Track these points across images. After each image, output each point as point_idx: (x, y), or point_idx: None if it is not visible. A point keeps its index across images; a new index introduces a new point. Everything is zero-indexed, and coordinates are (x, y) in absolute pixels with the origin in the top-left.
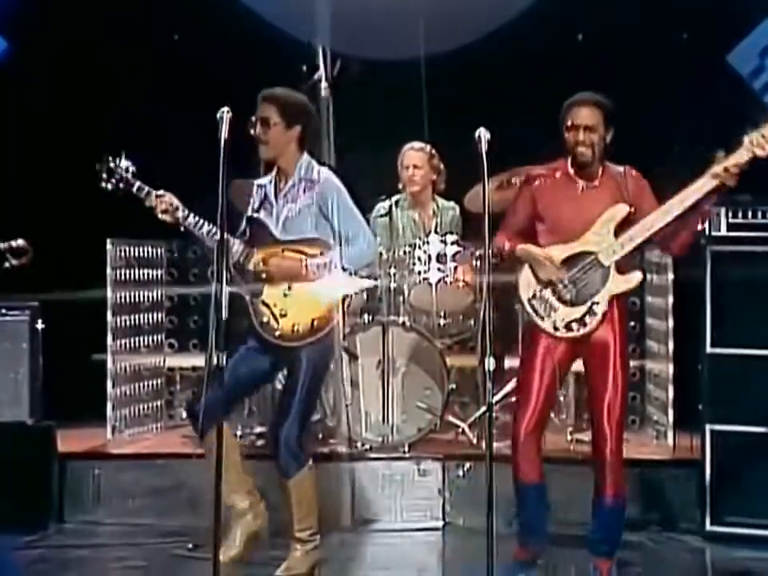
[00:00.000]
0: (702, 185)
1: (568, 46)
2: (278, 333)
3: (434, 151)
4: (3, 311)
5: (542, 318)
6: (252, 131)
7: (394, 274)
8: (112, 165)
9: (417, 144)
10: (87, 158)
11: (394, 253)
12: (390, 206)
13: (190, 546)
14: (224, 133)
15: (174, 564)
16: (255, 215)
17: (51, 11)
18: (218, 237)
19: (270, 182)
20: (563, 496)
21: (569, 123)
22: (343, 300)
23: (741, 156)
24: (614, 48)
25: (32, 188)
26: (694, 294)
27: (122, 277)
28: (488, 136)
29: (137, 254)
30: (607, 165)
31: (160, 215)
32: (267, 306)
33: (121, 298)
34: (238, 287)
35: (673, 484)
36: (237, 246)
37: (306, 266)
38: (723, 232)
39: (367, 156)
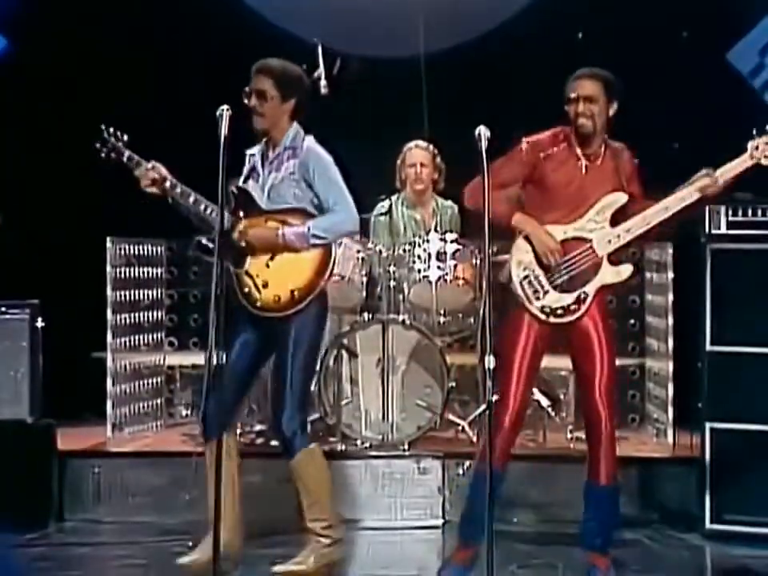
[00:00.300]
0: (704, 185)
1: (568, 44)
2: (258, 303)
3: (435, 150)
4: (3, 309)
5: (530, 302)
6: (246, 101)
7: (394, 272)
8: (105, 134)
9: (421, 143)
10: (87, 156)
11: (394, 251)
12: (390, 205)
13: (191, 543)
14: (224, 130)
15: (174, 562)
16: (242, 185)
17: (51, 9)
18: (203, 207)
19: (259, 151)
20: (563, 494)
21: (571, 96)
22: (328, 269)
23: (744, 162)
24: (614, 46)
25: (32, 186)
26: (693, 292)
27: (122, 275)
28: (488, 134)
29: (137, 253)
30: (609, 142)
31: (147, 187)
32: (250, 276)
33: (121, 296)
34: (225, 259)
35: (672, 482)
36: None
37: (283, 234)
38: (723, 230)
39: (367, 154)
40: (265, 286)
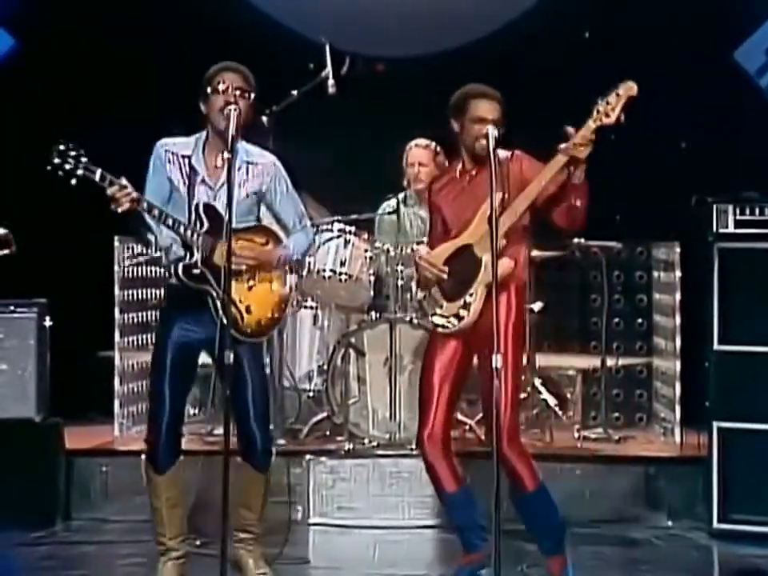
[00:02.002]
0: (555, 162)
1: (575, 43)
2: (247, 329)
3: (438, 148)
4: (11, 308)
5: (426, 316)
6: (224, 95)
7: (402, 271)
8: (64, 148)
9: (422, 141)
10: (93, 155)
11: (401, 250)
12: (397, 204)
13: (198, 542)
14: (231, 129)
15: None
16: (206, 201)
17: (56, 9)
18: (181, 230)
19: (198, 155)
20: (571, 493)
21: (476, 115)
22: (293, 287)
23: (588, 127)
24: (620, 45)
25: (38, 185)
26: (701, 291)
27: (130, 274)
28: (496, 134)
29: (144, 252)
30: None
31: (123, 208)
32: (234, 303)
33: (128, 295)
34: (206, 284)
35: (680, 481)
36: (201, 239)
37: (280, 258)
38: (730, 229)
39: (373, 153)
40: (248, 310)
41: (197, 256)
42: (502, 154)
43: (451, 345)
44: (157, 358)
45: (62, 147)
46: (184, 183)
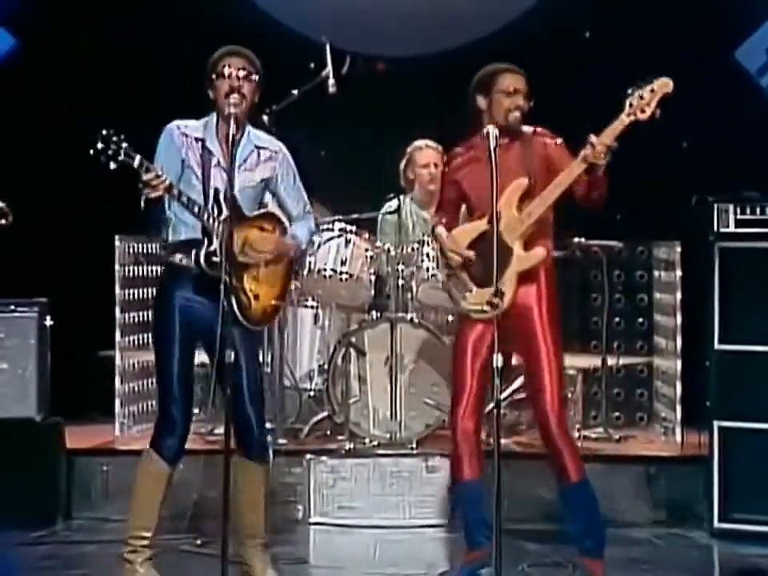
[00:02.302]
0: (586, 154)
1: (575, 42)
2: (254, 317)
3: (441, 149)
4: (12, 307)
5: (457, 302)
6: (230, 79)
7: (402, 271)
8: (107, 136)
9: (431, 143)
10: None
11: (402, 249)
12: (399, 203)
13: (198, 541)
14: (232, 129)
15: (181, 560)
16: (216, 186)
17: (56, 8)
18: (205, 217)
19: (211, 139)
20: None
21: (504, 88)
22: (292, 277)
23: (622, 121)
24: (621, 45)
25: (39, 184)
26: (702, 291)
27: (130, 273)
28: (497, 133)
29: (145, 251)
30: (517, 130)
31: (153, 192)
32: (244, 290)
33: (129, 294)
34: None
35: (680, 480)
36: (221, 226)
37: (293, 246)
38: (731, 228)
39: (374, 153)
40: (256, 298)
41: (216, 243)
42: (526, 129)
43: (482, 329)
44: (162, 345)
45: (105, 132)
46: (198, 165)
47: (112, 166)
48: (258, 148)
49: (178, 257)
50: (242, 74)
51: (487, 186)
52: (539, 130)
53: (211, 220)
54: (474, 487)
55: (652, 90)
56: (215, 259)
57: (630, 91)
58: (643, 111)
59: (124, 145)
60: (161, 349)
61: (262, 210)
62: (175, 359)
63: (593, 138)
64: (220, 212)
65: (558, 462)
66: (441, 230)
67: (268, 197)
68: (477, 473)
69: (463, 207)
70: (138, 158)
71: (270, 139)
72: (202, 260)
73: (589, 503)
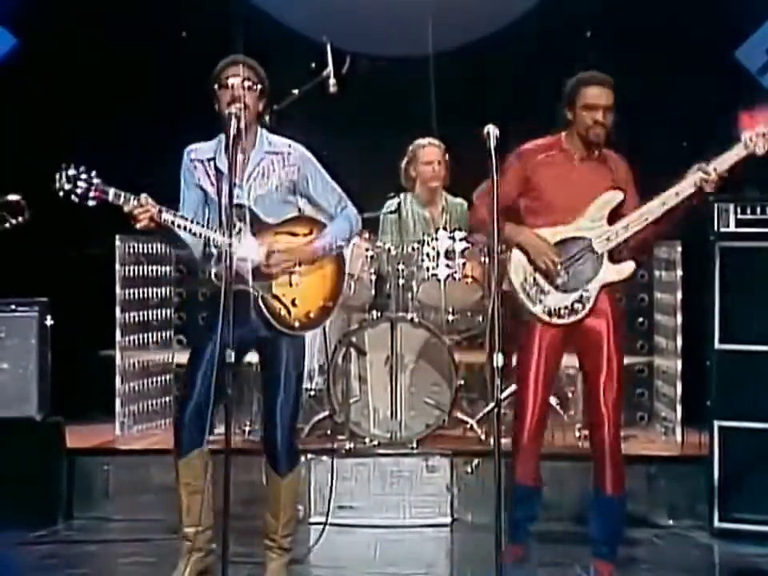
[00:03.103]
0: (698, 179)
1: (576, 43)
2: (295, 323)
3: (444, 147)
4: (12, 307)
5: (533, 303)
6: (232, 90)
7: (403, 270)
8: (73, 172)
9: (434, 140)
10: (97, 154)
11: (402, 249)
12: (400, 203)
13: None
14: (233, 129)
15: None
16: (239, 200)
17: (57, 8)
18: (210, 234)
19: (220, 157)
20: (573, 493)
21: (586, 102)
22: (344, 274)
23: (738, 152)
24: (622, 45)
25: (39, 184)
26: (702, 290)
27: (131, 273)
28: (497, 132)
29: (145, 251)
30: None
31: (137, 223)
32: (277, 298)
33: (129, 294)
34: (244, 285)
35: (681, 480)
36: (234, 240)
37: (315, 250)
38: (732, 228)
39: (375, 152)
40: (294, 304)
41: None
42: (608, 151)
43: (553, 336)
44: (194, 352)
45: (71, 172)
46: (212, 185)
47: (90, 203)
48: (270, 153)
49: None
50: (245, 84)
51: (570, 188)
52: (613, 155)
53: (218, 236)
54: (529, 490)
55: None
56: (219, 271)
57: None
58: (761, 147)
59: (95, 181)
60: (189, 362)
61: (290, 215)
62: (200, 371)
63: (706, 165)
64: (234, 226)
65: (598, 464)
66: (517, 227)
67: (302, 201)
68: (535, 480)
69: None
70: (111, 191)
71: (283, 142)
72: (213, 277)
73: (619, 519)
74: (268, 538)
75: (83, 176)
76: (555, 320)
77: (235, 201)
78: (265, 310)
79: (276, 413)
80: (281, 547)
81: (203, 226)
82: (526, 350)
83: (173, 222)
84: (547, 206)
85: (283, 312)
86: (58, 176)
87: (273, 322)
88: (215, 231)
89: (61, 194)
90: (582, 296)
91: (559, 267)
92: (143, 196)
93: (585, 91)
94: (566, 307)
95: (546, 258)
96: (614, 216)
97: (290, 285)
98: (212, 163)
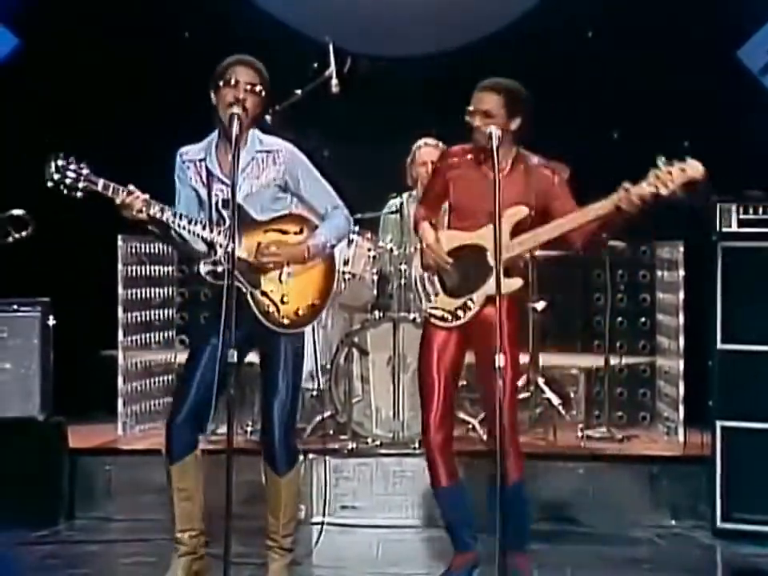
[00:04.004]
0: (600, 207)
1: (578, 43)
2: (284, 320)
3: (441, 145)
4: (15, 307)
5: (422, 302)
6: (234, 89)
7: (405, 270)
8: (62, 162)
9: (431, 140)
10: (99, 154)
11: (404, 249)
12: (401, 203)
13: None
14: (235, 130)
15: None
16: (223, 198)
17: (57, 8)
18: (198, 230)
19: (210, 154)
20: (574, 492)
21: (470, 108)
22: (335, 275)
23: (642, 189)
24: (623, 45)
25: (39, 185)
26: (704, 290)
27: (133, 273)
28: (499, 133)
29: (148, 251)
30: (522, 154)
31: (135, 216)
32: (266, 294)
33: (132, 294)
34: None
35: (683, 480)
36: (221, 235)
37: (308, 248)
38: (734, 228)
39: (377, 152)
40: (283, 301)
41: (220, 252)
42: (532, 158)
43: (447, 336)
44: (191, 353)
45: (60, 162)
46: (203, 185)
47: (78, 195)
48: (261, 152)
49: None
50: (248, 86)
51: (476, 194)
52: (543, 161)
53: (208, 230)
54: (452, 492)
55: (682, 170)
56: (219, 269)
57: (659, 162)
58: (666, 187)
59: (84, 171)
60: (186, 365)
61: (281, 213)
62: (197, 373)
63: (627, 185)
64: (223, 223)
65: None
66: (427, 226)
67: (294, 200)
68: (454, 477)
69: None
70: (101, 182)
71: (274, 141)
72: (203, 272)
73: (522, 506)
74: (269, 538)
75: (72, 166)
76: (438, 321)
77: (223, 197)
78: (253, 306)
79: (273, 412)
80: (282, 547)
81: (191, 221)
82: (423, 346)
83: (162, 213)
84: (460, 211)
85: (272, 309)
86: (47, 166)
87: (261, 318)
88: (204, 228)
89: (50, 184)
90: (466, 303)
91: (450, 270)
92: (130, 186)
93: (473, 96)
94: (449, 311)
95: (433, 260)
96: (519, 229)
97: (280, 282)
98: (203, 164)
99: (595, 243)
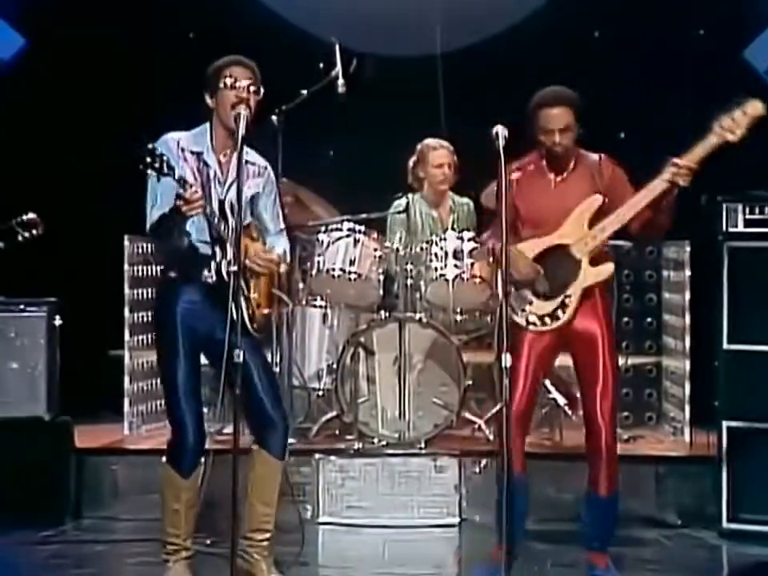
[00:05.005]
0: (671, 174)
1: (584, 43)
2: (257, 325)
3: (452, 148)
4: (21, 307)
5: (517, 313)
6: (237, 91)
7: (411, 270)
8: (151, 147)
9: (444, 142)
10: (106, 155)
11: (410, 249)
12: (408, 203)
13: (208, 541)
14: (241, 129)
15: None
16: (214, 199)
17: (64, 7)
18: (221, 227)
19: (208, 152)
20: (580, 492)
21: (542, 125)
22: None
23: (710, 141)
24: (629, 45)
25: (49, 184)
26: (710, 291)
27: (139, 273)
28: (506, 133)
29: (154, 251)
30: (581, 153)
31: (191, 210)
32: (248, 298)
33: (138, 294)
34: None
35: (689, 480)
36: (232, 235)
37: (279, 257)
38: (740, 228)
39: (382, 152)
40: (258, 306)
41: (230, 252)
42: (591, 156)
43: (541, 340)
44: (167, 360)
45: (150, 146)
46: (195, 178)
47: (162, 179)
48: (248, 163)
49: (183, 267)
50: (250, 87)
51: (547, 201)
52: (604, 157)
53: (225, 230)
54: (521, 482)
55: (744, 113)
56: (233, 269)
57: (719, 112)
58: (733, 133)
59: (166, 157)
60: (166, 362)
61: (247, 221)
62: (181, 373)
63: (677, 159)
64: (227, 223)
65: (593, 468)
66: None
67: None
68: (524, 470)
69: None
70: (178, 170)
71: (255, 155)
72: (224, 270)
73: (609, 517)
74: (258, 530)
75: (158, 152)
76: (538, 327)
77: (220, 198)
78: (243, 308)
79: (265, 404)
80: (271, 539)
81: (216, 219)
82: (515, 355)
83: (204, 209)
84: (532, 222)
85: (252, 312)
86: (138, 146)
87: (248, 323)
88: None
89: (141, 166)
90: (563, 301)
91: (541, 275)
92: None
93: (544, 114)
94: (548, 314)
95: (524, 271)
96: (596, 220)
97: (259, 288)
98: (200, 157)
99: (650, 226)
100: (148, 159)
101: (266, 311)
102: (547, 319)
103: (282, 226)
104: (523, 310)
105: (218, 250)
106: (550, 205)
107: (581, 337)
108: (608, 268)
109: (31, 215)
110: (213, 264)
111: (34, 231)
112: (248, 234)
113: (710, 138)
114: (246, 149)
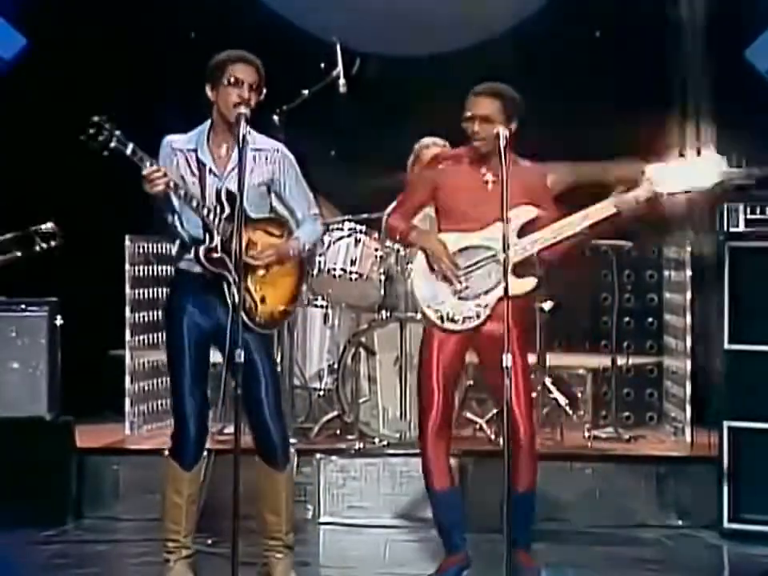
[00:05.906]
0: (609, 204)
1: (586, 42)
2: (258, 319)
3: (448, 146)
4: (22, 307)
5: (429, 308)
6: (240, 89)
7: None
8: (97, 119)
9: (439, 140)
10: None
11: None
12: None
13: (209, 541)
14: (242, 129)
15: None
16: (215, 189)
17: (64, 7)
18: (204, 212)
19: (202, 148)
20: (581, 493)
21: (467, 114)
22: (304, 281)
23: (643, 191)
24: (631, 45)
25: (50, 184)
26: (712, 291)
27: (141, 273)
28: (506, 133)
29: (155, 251)
30: (517, 159)
31: (153, 187)
32: (248, 290)
33: (139, 294)
34: (224, 270)
35: (690, 481)
36: (222, 223)
37: (291, 249)
38: (741, 228)
39: (383, 152)
40: (262, 301)
41: (217, 239)
42: (523, 163)
43: (447, 339)
44: (173, 352)
45: (96, 119)
46: (193, 174)
47: (104, 153)
48: (253, 150)
49: (184, 261)
50: (253, 86)
51: (471, 197)
52: (532, 164)
53: (212, 216)
54: (448, 495)
55: (636, 199)
56: (215, 255)
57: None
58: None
59: (117, 132)
60: (172, 367)
61: (268, 215)
62: (186, 364)
63: (625, 193)
64: (223, 210)
65: (513, 465)
66: (424, 231)
67: (275, 201)
68: (450, 481)
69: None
70: (130, 145)
71: (266, 140)
72: (201, 256)
73: (527, 513)
74: (271, 538)
75: (107, 125)
76: (449, 325)
77: (216, 189)
78: (233, 306)
79: (263, 406)
80: (286, 545)
81: (199, 205)
82: (425, 352)
83: (177, 189)
84: (458, 215)
85: (251, 306)
86: (86, 122)
87: (243, 315)
88: (208, 214)
89: (82, 138)
90: (479, 305)
91: (459, 274)
92: (155, 162)
93: (468, 101)
94: (461, 314)
95: (443, 263)
96: (526, 229)
97: (263, 281)
98: (194, 155)
99: (581, 244)
100: (91, 131)
101: (275, 307)
102: (458, 319)
103: (313, 211)
104: (438, 305)
105: (207, 236)
106: (477, 202)
107: (488, 336)
108: (530, 282)
109: (50, 225)
110: (193, 250)
111: (52, 242)
112: (262, 227)
113: (643, 188)
114: (254, 136)
